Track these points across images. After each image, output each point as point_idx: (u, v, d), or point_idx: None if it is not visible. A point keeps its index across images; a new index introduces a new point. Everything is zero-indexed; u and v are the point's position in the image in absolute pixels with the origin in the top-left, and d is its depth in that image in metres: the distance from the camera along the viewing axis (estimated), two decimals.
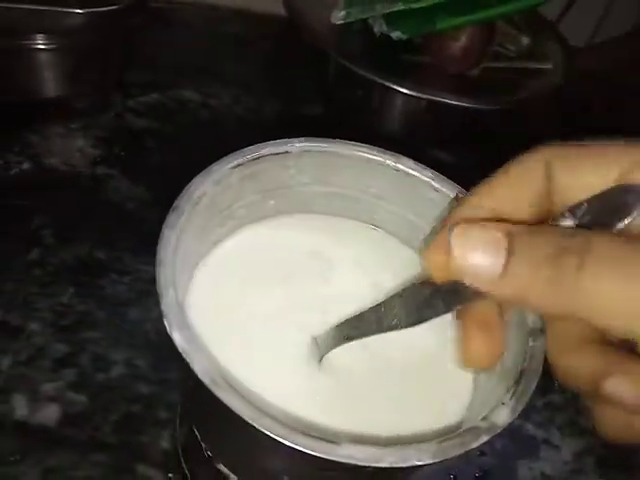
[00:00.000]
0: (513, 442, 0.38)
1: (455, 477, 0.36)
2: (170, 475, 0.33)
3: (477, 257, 0.18)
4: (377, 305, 0.23)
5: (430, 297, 0.20)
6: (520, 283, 0.17)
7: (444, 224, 0.21)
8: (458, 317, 0.21)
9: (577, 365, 0.18)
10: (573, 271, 0.16)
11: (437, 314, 0.20)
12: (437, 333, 0.28)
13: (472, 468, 0.36)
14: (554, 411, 0.40)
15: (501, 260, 0.17)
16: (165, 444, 0.34)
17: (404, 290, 0.22)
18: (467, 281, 0.18)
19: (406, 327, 0.21)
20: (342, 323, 0.24)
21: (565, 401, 0.40)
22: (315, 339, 0.25)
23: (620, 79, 0.63)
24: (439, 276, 0.20)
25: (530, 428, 0.39)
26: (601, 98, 0.62)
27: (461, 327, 0.21)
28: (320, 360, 0.25)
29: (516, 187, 0.20)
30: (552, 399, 0.40)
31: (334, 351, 0.24)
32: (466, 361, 0.21)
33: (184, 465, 0.32)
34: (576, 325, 0.19)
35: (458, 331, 0.21)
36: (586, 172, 0.19)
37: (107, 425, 0.34)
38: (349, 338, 0.23)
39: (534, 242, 0.17)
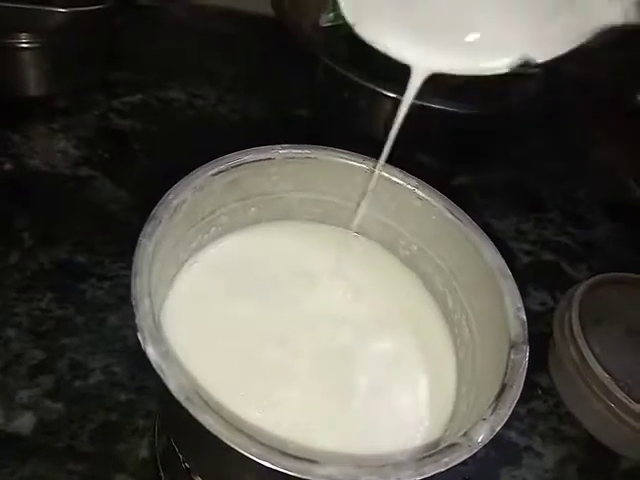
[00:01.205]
0: (495, 450, 0.38)
1: None
2: None
3: None
4: None
5: None
6: None
7: None
8: None
9: None
10: None
11: None
12: (419, 339, 0.28)
13: (454, 476, 0.36)
14: (536, 418, 0.40)
15: None
16: (144, 453, 0.33)
17: None
18: None
19: None
20: None
21: (547, 409, 0.40)
22: None
23: (603, 85, 0.64)
24: None
25: (513, 435, 0.39)
26: (584, 104, 0.62)
27: None
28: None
29: None
30: (535, 406, 0.40)
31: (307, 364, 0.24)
32: None
33: (162, 475, 0.31)
34: None
35: None
36: None
37: (84, 434, 0.33)
38: None
39: None
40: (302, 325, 0.27)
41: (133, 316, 0.38)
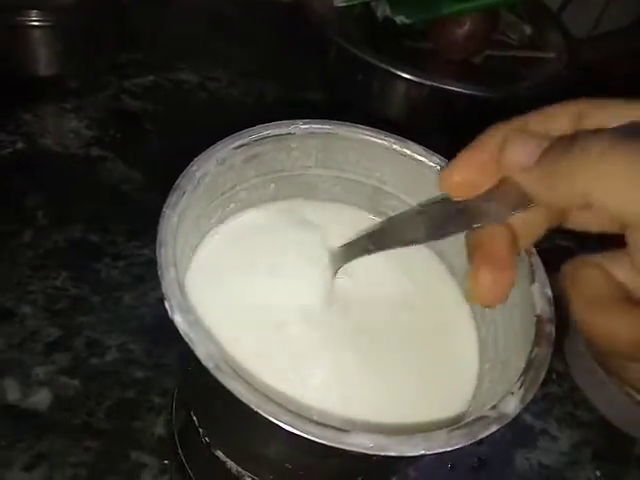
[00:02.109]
0: (511, 432, 0.38)
1: (452, 466, 0.36)
2: (165, 461, 0.32)
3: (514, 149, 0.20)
4: (398, 217, 0.25)
5: (453, 214, 0.21)
6: (548, 168, 0.18)
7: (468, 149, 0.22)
8: (470, 255, 0.22)
9: (614, 324, 0.18)
10: (595, 156, 0.17)
11: (458, 230, 0.21)
12: (436, 324, 0.28)
13: (469, 457, 0.36)
14: (553, 402, 0.40)
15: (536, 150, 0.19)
16: (160, 430, 0.33)
17: (423, 207, 0.24)
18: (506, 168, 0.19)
19: (426, 241, 0.23)
20: (363, 236, 0.25)
21: (563, 393, 0.40)
22: (333, 250, 0.26)
23: (619, 70, 0.63)
24: (458, 194, 0.21)
25: (528, 418, 0.39)
26: (600, 89, 0.62)
27: (471, 261, 0.21)
28: (335, 273, 0.25)
29: (549, 122, 0.21)
30: (551, 390, 0.40)
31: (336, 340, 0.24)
32: (473, 296, 0.21)
33: (180, 451, 0.31)
34: (601, 278, 0.20)
35: (469, 267, 0.21)
36: (616, 106, 0.19)
37: (101, 410, 0.33)
38: (369, 250, 0.24)
39: (563, 139, 0.18)
40: (323, 300, 0.27)
41: (149, 294, 0.39)
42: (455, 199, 0.21)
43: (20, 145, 0.45)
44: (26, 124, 0.47)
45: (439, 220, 0.22)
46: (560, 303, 0.44)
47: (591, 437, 0.39)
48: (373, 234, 0.25)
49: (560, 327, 0.41)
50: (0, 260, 0.38)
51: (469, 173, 0.21)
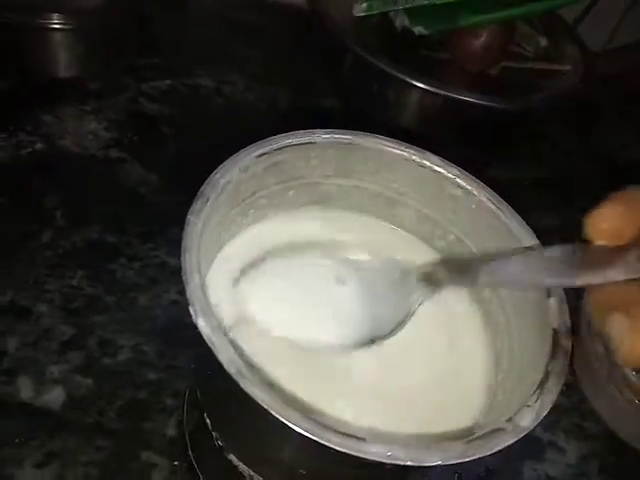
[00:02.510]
0: (519, 443, 0.37)
1: (460, 476, 0.36)
2: (175, 463, 0.32)
3: None
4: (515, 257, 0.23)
5: (588, 260, 0.21)
6: None
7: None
8: (597, 311, 0.21)
9: None
10: None
11: (592, 279, 0.21)
12: (446, 332, 0.28)
13: (477, 467, 0.36)
14: (561, 414, 0.40)
15: None
16: (171, 431, 0.33)
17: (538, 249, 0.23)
18: None
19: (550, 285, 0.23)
20: (468, 267, 0.24)
21: (571, 404, 0.40)
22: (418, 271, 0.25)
23: (635, 84, 0.63)
24: (603, 240, 0.21)
25: (536, 430, 0.38)
26: (616, 102, 0.62)
27: (600, 317, 0.21)
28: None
29: None
30: (559, 402, 0.40)
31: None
32: (625, 360, 0.20)
33: (190, 453, 0.31)
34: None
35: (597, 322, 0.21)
36: None
37: (112, 410, 0.34)
38: (473, 284, 0.24)
39: None
40: (332, 311, 0.27)
41: (163, 296, 0.39)
42: (597, 244, 0.21)
43: (39, 146, 0.46)
44: (45, 125, 0.47)
45: (568, 265, 0.22)
46: (570, 315, 0.44)
47: (599, 450, 0.38)
48: (483, 269, 0.23)
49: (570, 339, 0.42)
50: (18, 260, 0.39)
51: (616, 220, 0.21)
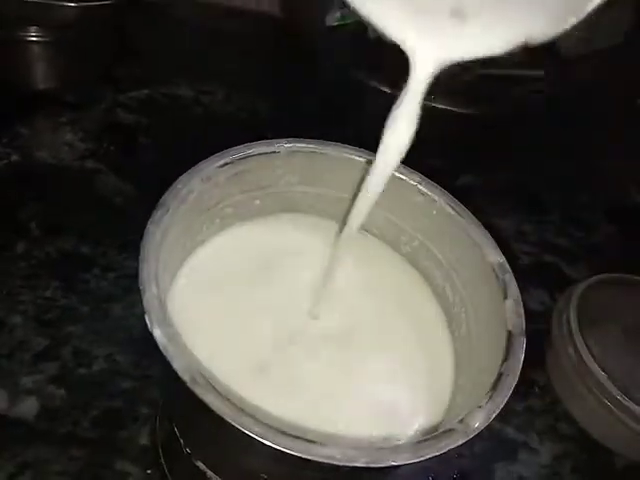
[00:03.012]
0: (492, 445, 0.38)
1: (434, 479, 0.36)
2: (149, 471, 0.33)
3: None
4: None
5: None
6: None
7: None
8: None
9: None
10: None
11: None
12: (418, 333, 0.28)
13: (450, 470, 0.37)
14: (533, 415, 0.40)
15: None
16: (144, 440, 0.34)
17: None
18: None
19: None
20: None
21: (544, 406, 0.41)
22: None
23: (608, 90, 0.64)
24: None
25: (509, 432, 0.39)
26: (588, 108, 0.63)
27: None
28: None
29: None
30: (532, 404, 0.41)
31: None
32: None
33: (163, 461, 0.32)
34: None
35: None
36: None
37: (86, 420, 0.34)
38: None
39: None
40: (301, 313, 0.28)
41: (137, 306, 0.39)
42: None
43: (15, 157, 0.46)
44: (21, 137, 0.48)
45: None
46: (542, 317, 0.45)
47: (572, 450, 0.39)
48: None
49: (543, 340, 0.42)
50: None
51: None
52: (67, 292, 0.39)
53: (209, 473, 0.26)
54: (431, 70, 0.22)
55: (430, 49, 0.22)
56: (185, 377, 0.18)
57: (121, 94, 0.54)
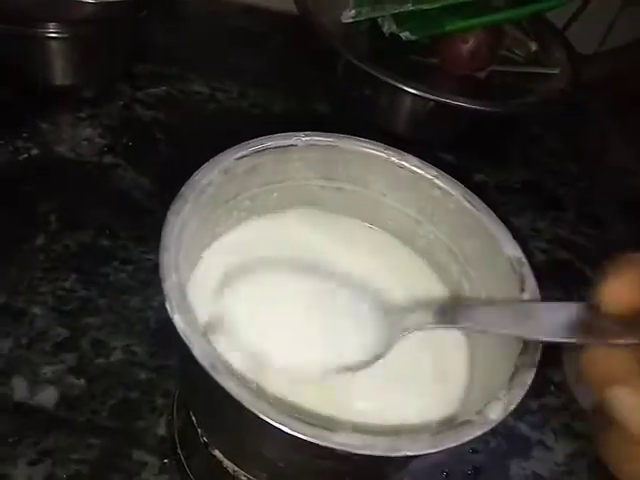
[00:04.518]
0: (506, 441, 0.38)
1: (447, 474, 0.36)
2: (165, 461, 0.33)
3: None
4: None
5: (586, 322, 0.21)
6: None
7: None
8: (581, 374, 0.21)
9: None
10: None
11: (586, 340, 0.20)
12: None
13: (464, 465, 0.37)
14: (549, 413, 0.40)
15: None
16: (161, 430, 0.34)
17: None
18: None
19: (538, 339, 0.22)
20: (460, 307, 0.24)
21: (560, 404, 0.41)
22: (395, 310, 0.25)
23: (624, 88, 0.64)
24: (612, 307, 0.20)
25: (524, 429, 0.39)
26: (604, 106, 0.62)
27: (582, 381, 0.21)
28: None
29: None
30: (547, 401, 0.41)
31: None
32: None
33: (180, 451, 0.32)
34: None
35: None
36: None
37: (104, 409, 0.34)
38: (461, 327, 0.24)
39: None
40: (317, 310, 0.28)
41: (155, 298, 0.40)
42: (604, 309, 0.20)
43: (35, 152, 0.47)
44: (41, 132, 0.49)
45: (564, 322, 0.21)
46: None
47: (586, 448, 0.39)
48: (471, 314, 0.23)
49: None
50: (13, 263, 0.39)
51: (632, 291, 0.20)
52: (86, 284, 0.39)
53: (226, 462, 0.26)
54: None
55: None
56: (204, 363, 0.19)
57: (139, 90, 0.54)
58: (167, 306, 0.20)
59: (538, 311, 0.23)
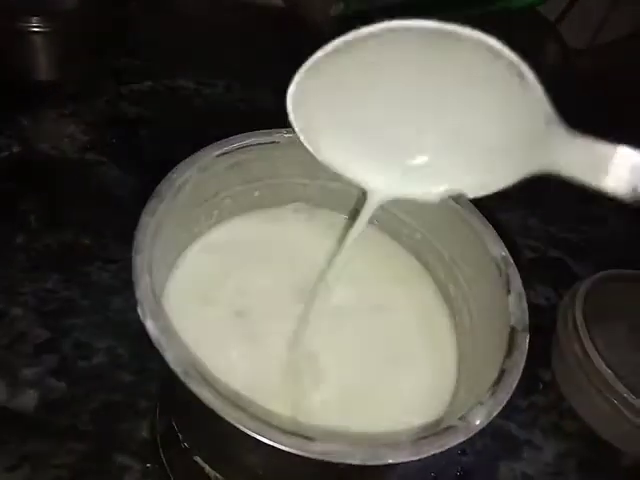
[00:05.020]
0: (495, 442, 0.38)
1: (436, 476, 0.36)
2: (148, 465, 0.32)
3: None
4: None
5: None
6: None
7: None
8: None
9: None
10: None
11: None
12: (417, 331, 0.28)
13: (453, 467, 0.36)
14: (537, 412, 0.39)
15: None
16: (144, 434, 0.33)
17: None
18: None
19: None
20: None
21: (549, 403, 0.40)
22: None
23: (618, 82, 0.63)
24: None
25: (513, 428, 0.38)
26: (598, 101, 0.62)
27: None
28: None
29: None
30: (536, 400, 0.40)
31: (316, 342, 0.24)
32: None
33: (162, 456, 0.31)
34: None
35: None
36: None
37: (86, 413, 0.34)
38: None
39: None
40: (303, 306, 0.27)
41: (135, 300, 0.39)
42: None
43: (16, 149, 0.46)
44: (23, 128, 0.48)
45: None
46: (547, 313, 0.44)
47: (576, 448, 0.38)
48: None
49: (548, 337, 0.42)
50: None
51: None
52: (68, 284, 0.39)
53: (207, 469, 0.26)
54: (378, 202, 0.26)
55: (380, 187, 0.25)
56: (177, 369, 0.18)
57: (123, 86, 0.53)
58: (139, 311, 0.19)
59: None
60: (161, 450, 0.32)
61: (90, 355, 0.36)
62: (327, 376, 0.25)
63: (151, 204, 0.22)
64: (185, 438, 0.26)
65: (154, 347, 0.36)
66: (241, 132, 0.28)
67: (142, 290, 0.19)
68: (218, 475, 0.26)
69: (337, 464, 0.18)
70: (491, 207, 0.28)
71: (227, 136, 0.27)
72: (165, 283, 0.25)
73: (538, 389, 0.41)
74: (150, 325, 0.19)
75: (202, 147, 0.26)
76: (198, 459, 0.26)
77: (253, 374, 0.24)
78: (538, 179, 0.58)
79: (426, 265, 0.30)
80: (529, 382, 0.41)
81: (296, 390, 0.24)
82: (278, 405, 0.22)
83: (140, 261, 0.20)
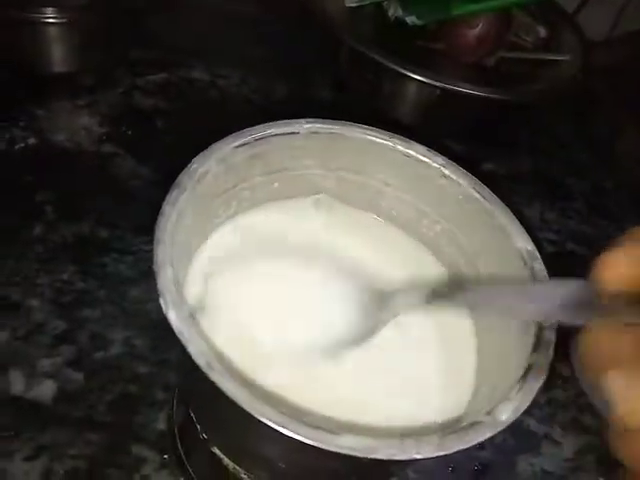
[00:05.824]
0: (514, 437, 0.37)
1: (454, 469, 0.35)
2: (165, 456, 0.32)
3: None
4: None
5: (589, 300, 0.19)
6: None
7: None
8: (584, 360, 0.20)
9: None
10: None
11: (590, 317, 0.19)
12: (439, 323, 0.27)
13: (471, 461, 0.36)
14: (557, 408, 0.39)
15: None
16: (161, 425, 0.33)
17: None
18: None
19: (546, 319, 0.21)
20: (458, 287, 0.23)
21: (568, 398, 0.40)
22: (382, 293, 0.24)
23: (635, 73, 0.62)
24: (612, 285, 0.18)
25: (532, 423, 0.38)
26: (615, 92, 0.61)
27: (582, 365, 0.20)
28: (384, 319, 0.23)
29: None
30: (555, 395, 0.40)
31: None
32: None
33: (179, 447, 0.31)
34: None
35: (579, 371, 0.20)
36: None
37: (103, 404, 0.34)
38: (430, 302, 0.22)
39: None
40: (320, 301, 0.27)
41: (155, 290, 0.39)
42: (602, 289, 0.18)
43: (32, 141, 0.46)
44: (39, 120, 0.47)
45: (570, 301, 0.20)
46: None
47: (595, 443, 0.38)
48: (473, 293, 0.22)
49: (568, 332, 0.41)
50: (9, 254, 0.39)
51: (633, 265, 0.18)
52: (84, 275, 0.39)
53: (226, 460, 0.26)
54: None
55: None
56: (200, 361, 0.18)
57: (138, 77, 0.53)
58: (161, 302, 0.19)
59: (539, 291, 0.22)
60: (178, 441, 0.32)
61: (107, 346, 0.36)
62: (344, 372, 0.25)
63: (172, 195, 0.22)
64: (203, 429, 0.26)
65: (172, 338, 0.36)
66: (256, 124, 0.27)
67: (164, 281, 0.19)
68: (237, 467, 0.25)
69: (361, 458, 0.18)
70: (510, 200, 0.28)
71: (242, 128, 0.27)
72: (184, 275, 0.25)
73: (557, 384, 0.40)
74: (173, 316, 0.18)
75: (217, 139, 0.26)
76: (216, 450, 0.26)
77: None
78: (556, 171, 0.58)
79: (446, 257, 0.30)
80: (548, 377, 0.40)
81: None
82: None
83: (162, 252, 0.20)
